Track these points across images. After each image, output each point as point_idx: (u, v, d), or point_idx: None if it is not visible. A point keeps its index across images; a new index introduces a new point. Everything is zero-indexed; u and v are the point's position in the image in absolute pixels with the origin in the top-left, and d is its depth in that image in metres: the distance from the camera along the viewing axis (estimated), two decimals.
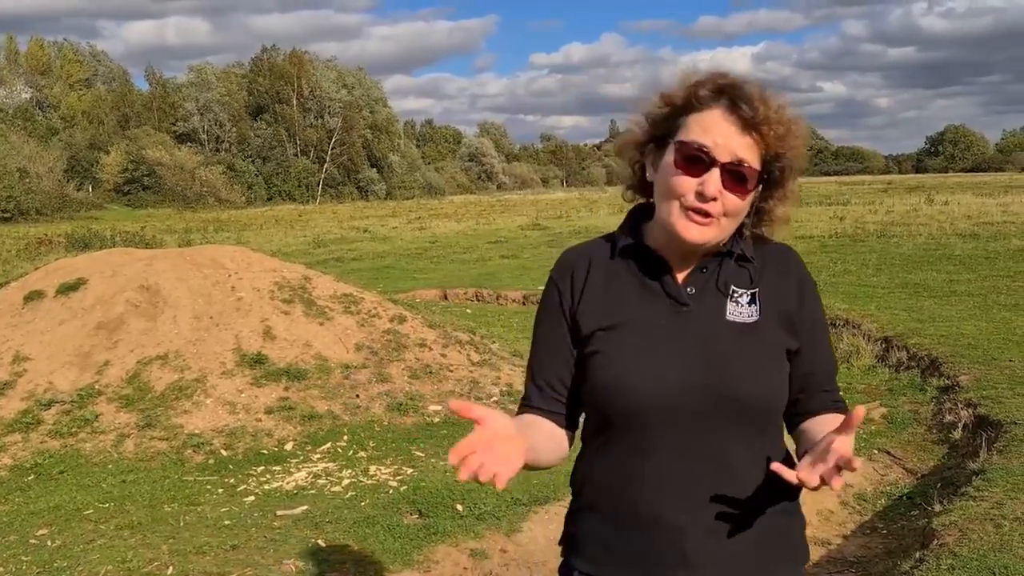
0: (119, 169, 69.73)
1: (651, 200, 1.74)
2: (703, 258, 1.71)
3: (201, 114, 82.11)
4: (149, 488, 5.08)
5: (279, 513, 4.63)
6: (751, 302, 1.70)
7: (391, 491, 4.89)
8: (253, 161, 78.56)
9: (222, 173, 71.34)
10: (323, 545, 4.23)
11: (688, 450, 1.66)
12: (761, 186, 1.68)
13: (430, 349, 7.23)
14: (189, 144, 76.64)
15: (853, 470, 1.39)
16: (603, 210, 35.80)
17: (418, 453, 5.60)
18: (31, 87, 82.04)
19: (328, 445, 5.72)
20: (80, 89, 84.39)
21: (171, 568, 4.03)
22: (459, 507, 4.58)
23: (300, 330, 6.99)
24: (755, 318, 1.68)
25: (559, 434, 1.79)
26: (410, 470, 5.24)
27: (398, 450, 5.65)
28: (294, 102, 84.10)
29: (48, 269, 8.10)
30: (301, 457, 5.53)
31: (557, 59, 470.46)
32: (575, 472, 1.82)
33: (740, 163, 1.60)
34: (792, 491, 1.69)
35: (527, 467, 1.55)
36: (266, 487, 5.04)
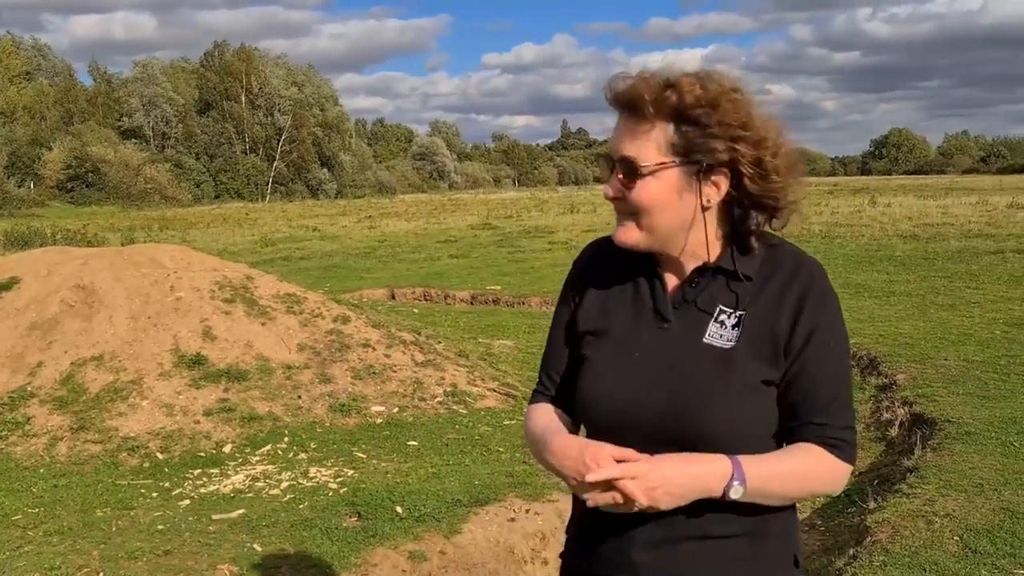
0: (62, 166, 68.18)
1: None
2: (696, 272, 1.67)
3: (146, 110, 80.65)
4: (81, 492, 4.96)
5: (214, 517, 4.55)
6: (736, 325, 1.63)
7: (330, 493, 4.83)
8: (200, 158, 77.46)
9: (168, 170, 70.16)
10: (259, 549, 4.17)
11: None
12: (704, 175, 1.59)
13: (374, 349, 7.17)
14: (134, 140, 75.27)
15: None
16: (554, 210, 35.90)
17: (359, 454, 5.55)
18: None
19: (268, 447, 5.64)
20: (20, 83, 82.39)
21: (101, 574, 3.94)
22: (399, 509, 4.54)
23: (241, 330, 6.89)
24: (732, 344, 1.61)
25: (569, 424, 1.79)
26: (351, 472, 5.19)
27: (339, 452, 5.59)
28: (243, 99, 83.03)
29: None
30: (240, 460, 5.45)
31: (509, 59, 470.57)
32: None
33: (624, 158, 1.59)
34: (759, 521, 1.63)
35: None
36: (202, 491, 4.96)
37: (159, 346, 6.53)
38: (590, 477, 1.51)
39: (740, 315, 1.61)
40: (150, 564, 4.04)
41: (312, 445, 5.69)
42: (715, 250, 1.65)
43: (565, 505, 4.01)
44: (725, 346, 1.60)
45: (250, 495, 4.87)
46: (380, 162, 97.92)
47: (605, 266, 1.76)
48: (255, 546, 4.20)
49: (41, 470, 5.29)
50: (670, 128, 1.58)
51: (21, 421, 5.74)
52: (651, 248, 1.65)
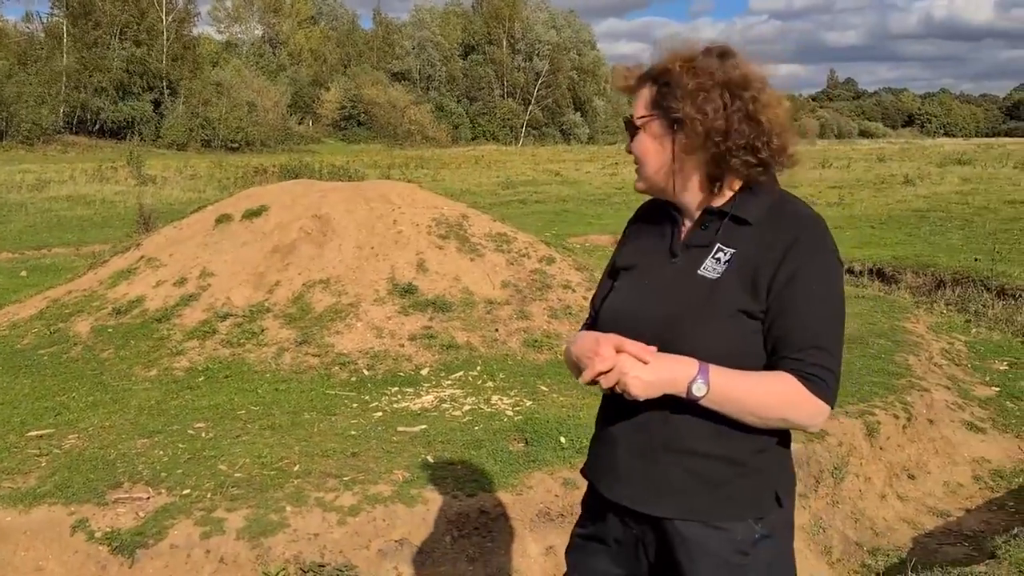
0: (337, 106, 73.46)
1: None
2: (705, 215, 1.90)
3: (416, 53, 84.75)
4: (296, 397, 5.64)
5: (399, 429, 5.06)
6: (727, 261, 1.83)
7: (505, 420, 5.21)
8: (460, 101, 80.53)
9: (430, 112, 73.65)
10: (431, 460, 4.62)
11: None
12: (677, 128, 1.84)
13: (574, 291, 7.46)
14: (402, 82, 79.48)
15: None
16: (804, 165, 34.32)
17: (543, 387, 5.88)
18: (263, 25, 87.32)
19: (460, 374, 6.11)
20: (307, 27, 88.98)
21: (297, 466, 4.54)
22: (563, 439, 4.84)
23: (451, 265, 7.39)
24: (718, 276, 1.82)
25: None
26: (529, 402, 5.53)
27: (524, 383, 5.95)
28: (504, 43, 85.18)
29: (240, 196, 8.91)
30: (433, 382, 5.95)
31: (779, 5, 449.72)
32: None
33: (625, 117, 1.93)
34: (742, 447, 1.84)
35: None
36: (395, 406, 5.49)
37: (377, 274, 7.16)
38: (586, 375, 1.79)
39: (732, 253, 1.82)
40: (338, 462, 4.59)
41: (501, 375, 6.09)
42: (709, 195, 1.89)
43: None
44: (712, 277, 1.82)
45: (434, 414, 5.34)
46: None
47: (647, 218, 2.04)
48: (428, 458, 4.65)
49: (267, 375, 6.05)
50: (651, 89, 1.88)
51: (256, 332, 6.56)
52: (651, 193, 1.96)
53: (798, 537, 4.64)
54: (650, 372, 1.73)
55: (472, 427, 5.11)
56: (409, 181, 22.77)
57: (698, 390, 1.73)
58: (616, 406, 1.90)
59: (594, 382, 1.81)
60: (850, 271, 11.09)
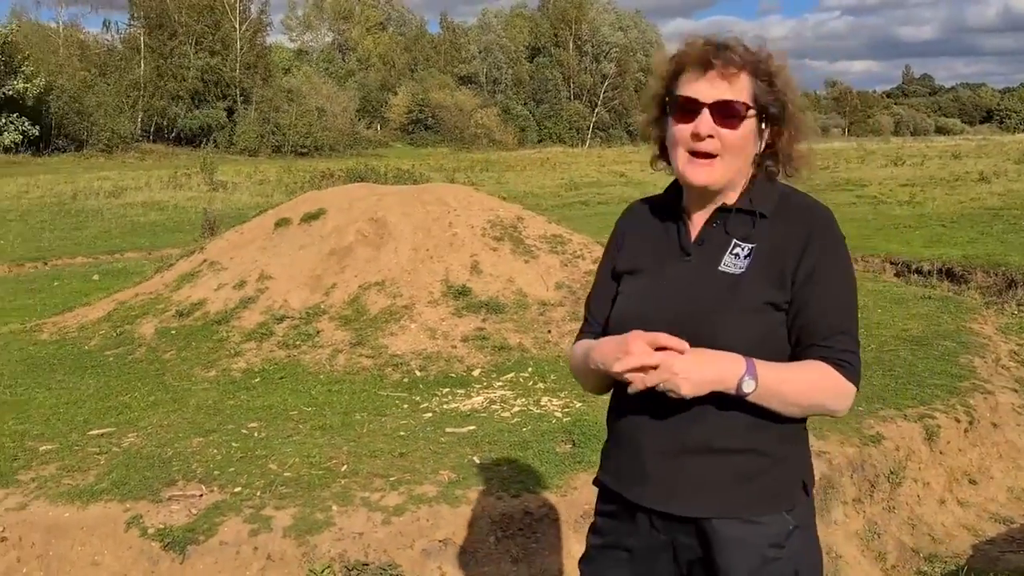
0: (405, 110, 74.25)
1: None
2: (716, 213, 1.89)
3: (482, 57, 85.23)
4: (348, 398, 5.72)
5: (448, 430, 5.09)
6: (748, 255, 1.84)
7: (554, 421, 5.20)
8: (526, 104, 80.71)
9: (496, 115, 73.97)
10: (477, 461, 4.63)
11: None
12: (767, 125, 1.86)
13: None
14: (469, 86, 79.98)
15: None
16: (876, 162, 33.67)
17: None
18: (333, 32, 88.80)
19: (511, 375, 6.11)
20: (376, 33, 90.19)
21: (345, 466, 4.59)
22: None
23: (505, 266, 7.41)
24: (742, 271, 1.83)
25: None
26: (579, 404, 5.51)
27: (575, 385, 5.91)
28: (571, 45, 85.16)
29: (299, 200, 9.06)
30: (484, 384, 5.97)
31: (850, 0, 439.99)
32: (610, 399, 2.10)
33: (726, 101, 1.79)
34: (770, 438, 1.84)
35: (593, 382, 1.98)
36: (445, 407, 5.52)
37: (432, 276, 7.22)
38: (631, 361, 1.73)
39: (751, 248, 1.83)
40: (386, 462, 4.64)
41: (552, 377, 6.08)
42: (739, 191, 1.89)
43: None
44: (735, 272, 1.82)
45: (484, 415, 5.35)
46: None
47: (642, 220, 2.02)
48: (475, 458, 4.67)
49: (321, 376, 6.14)
50: (753, 81, 1.82)
51: (312, 333, 6.66)
52: (720, 187, 1.86)
53: (851, 543, 4.55)
54: (700, 371, 1.71)
55: (520, 428, 5.11)
56: (472, 184, 22.93)
57: (747, 386, 1.73)
58: (635, 408, 1.89)
59: (620, 383, 1.82)
60: (918, 271, 10.81)
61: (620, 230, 2.08)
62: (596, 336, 2.03)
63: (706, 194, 1.87)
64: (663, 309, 1.86)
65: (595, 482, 2.08)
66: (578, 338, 2.11)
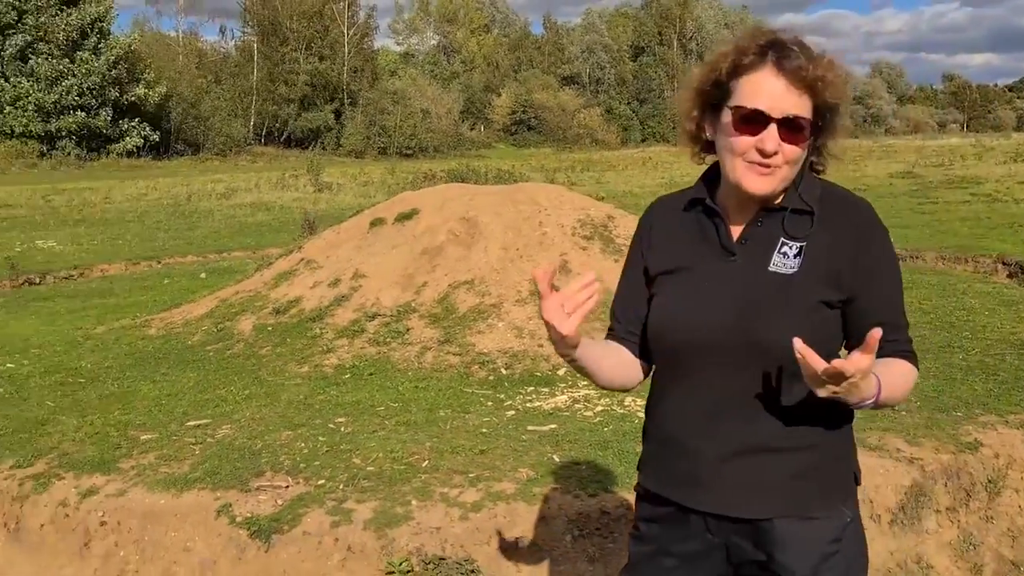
0: (508, 111, 74.70)
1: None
2: (760, 212, 1.86)
3: (584, 57, 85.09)
4: (433, 395, 5.80)
5: (529, 428, 5.11)
6: (797, 254, 1.81)
7: (636, 421, 5.15)
8: (630, 103, 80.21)
9: (599, 115, 73.73)
10: (557, 460, 4.64)
11: (713, 386, 1.85)
12: (822, 131, 1.85)
13: None
14: (572, 86, 79.95)
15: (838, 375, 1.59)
16: (994, 159, 32.19)
17: None
18: (438, 34, 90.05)
19: None
20: (480, 35, 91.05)
21: (426, 462, 4.66)
22: None
23: (594, 266, 7.38)
24: (794, 270, 1.80)
25: (630, 360, 2.05)
26: None
27: None
28: (675, 43, 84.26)
29: (394, 200, 9.22)
30: (569, 383, 5.96)
31: None
32: (646, 402, 2.06)
33: (795, 117, 1.75)
34: (819, 433, 1.83)
35: (589, 375, 1.94)
36: (528, 405, 5.54)
37: (520, 276, 7.25)
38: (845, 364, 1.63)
39: (801, 246, 1.81)
40: (466, 459, 4.68)
41: None
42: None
43: None
44: (787, 272, 1.80)
45: (566, 414, 5.35)
46: None
47: (671, 218, 1.99)
48: (555, 457, 4.67)
49: (409, 373, 6.24)
50: (816, 92, 1.78)
51: (402, 331, 6.78)
52: (776, 194, 1.84)
53: (943, 553, 4.38)
54: (864, 382, 1.65)
55: (602, 428, 5.09)
56: (571, 183, 22.92)
57: (875, 396, 1.72)
58: (684, 411, 1.88)
59: (661, 387, 1.89)
60: None
61: (646, 228, 2.03)
62: (622, 339, 2.02)
63: (756, 197, 1.83)
64: (712, 310, 1.83)
65: (637, 488, 2.05)
66: (606, 338, 2.09)
